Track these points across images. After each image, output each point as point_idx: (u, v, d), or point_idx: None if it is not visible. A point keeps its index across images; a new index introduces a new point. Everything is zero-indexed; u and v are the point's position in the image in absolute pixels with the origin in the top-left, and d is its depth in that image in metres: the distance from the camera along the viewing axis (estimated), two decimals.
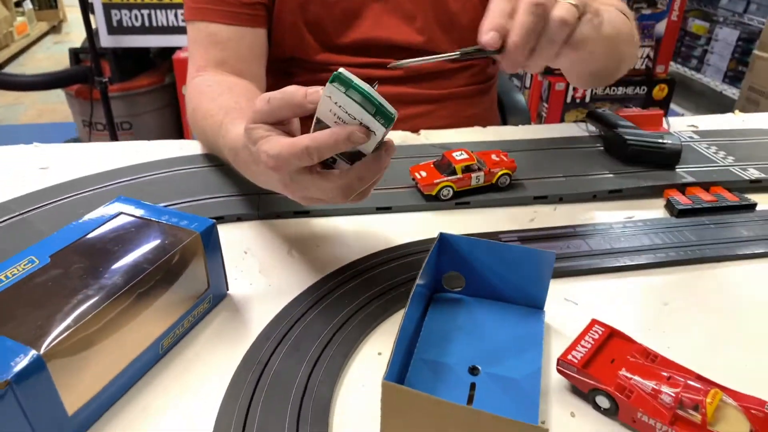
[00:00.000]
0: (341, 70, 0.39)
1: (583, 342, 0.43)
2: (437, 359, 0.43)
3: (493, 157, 0.67)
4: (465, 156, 0.65)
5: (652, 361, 0.42)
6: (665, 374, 0.40)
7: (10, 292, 0.39)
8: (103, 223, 0.46)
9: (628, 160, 0.73)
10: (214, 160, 0.71)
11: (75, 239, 0.44)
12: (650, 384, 0.39)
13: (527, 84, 2.33)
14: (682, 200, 0.65)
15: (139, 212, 0.48)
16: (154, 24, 2.04)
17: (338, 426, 0.39)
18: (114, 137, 2.11)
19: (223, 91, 0.69)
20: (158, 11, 2.01)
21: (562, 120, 2.26)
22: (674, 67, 3.22)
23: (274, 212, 0.62)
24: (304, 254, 0.56)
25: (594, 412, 0.41)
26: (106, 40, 2.04)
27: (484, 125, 0.87)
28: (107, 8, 1.99)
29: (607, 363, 0.42)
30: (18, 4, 4.15)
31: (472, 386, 0.41)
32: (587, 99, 2.23)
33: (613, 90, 2.22)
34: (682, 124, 0.87)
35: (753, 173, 0.70)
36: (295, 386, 0.41)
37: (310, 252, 0.57)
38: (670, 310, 0.51)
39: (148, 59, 2.31)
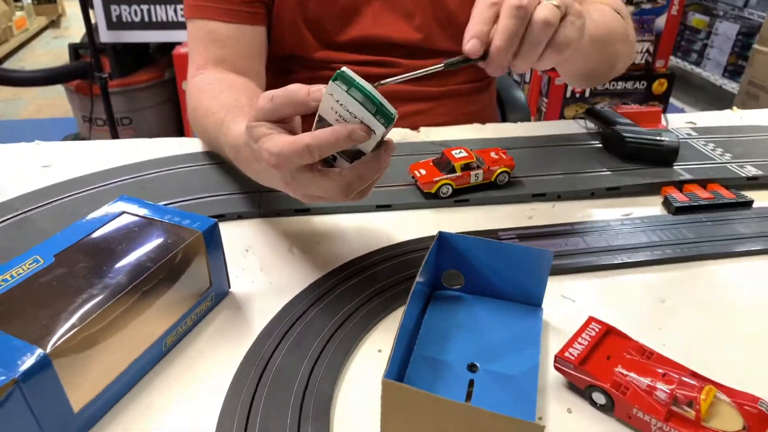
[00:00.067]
0: (344, 68, 0.40)
1: (579, 339, 0.44)
2: (436, 356, 0.44)
3: (492, 155, 0.68)
4: (464, 154, 0.65)
5: (647, 358, 0.43)
6: (660, 371, 0.40)
7: (15, 292, 0.39)
8: (107, 223, 0.47)
9: (626, 157, 0.73)
10: (215, 157, 0.72)
11: (79, 239, 0.45)
12: (646, 381, 0.40)
13: (527, 79, 2.33)
14: (679, 197, 0.65)
15: (142, 211, 0.48)
16: (154, 19, 2.03)
17: (339, 422, 0.40)
18: (114, 133, 2.11)
19: (223, 88, 0.70)
20: (158, 6, 2.01)
21: (561, 114, 2.26)
22: (674, 61, 3.22)
23: (275, 210, 0.63)
24: (305, 252, 0.57)
25: (590, 408, 0.41)
26: (105, 36, 2.04)
27: (483, 122, 0.88)
28: (106, 3, 1.98)
29: (603, 360, 0.42)
30: None
31: (471, 383, 0.41)
32: (587, 94, 2.23)
33: (613, 85, 2.22)
34: (680, 121, 0.88)
35: (750, 170, 0.71)
36: (296, 382, 0.41)
37: (310, 250, 0.57)
38: (666, 307, 0.51)
39: (147, 54, 2.31)
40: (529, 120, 1.14)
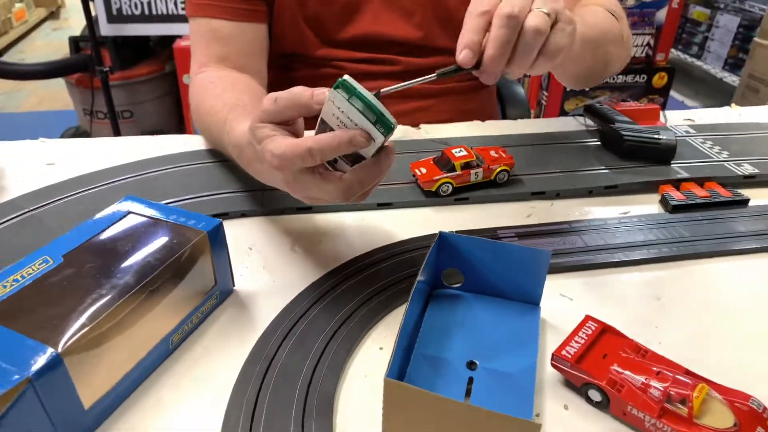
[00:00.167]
0: (346, 77, 0.40)
1: (576, 338, 0.45)
2: (436, 354, 0.45)
3: (492, 153, 0.68)
4: (464, 153, 0.66)
5: (642, 357, 0.44)
6: (655, 369, 0.41)
7: (26, 292, 0.40)
8: (113, 223, 0.48)
9: (624, 155, 0.74)
10: (217, 155, 0.73)
11: (86, 239, 0.46)
12: (640, 379, 0.41)
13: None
14: (676, 196, 0.66)
15: (148, 212, 0.49)
16: (154, 12, 2.03)
17: (342, 419, 0.41)
18: (115, 126, 2.11)
19: (226, 87, 0.71)
20: None
21: (561, 108, 2.27)
22: (674, 53, 3.21)
23: (277, 208, 0.63)
24: (307, 250, 0.58)
25: (586, 405, 0.43)
26: (105, 29, 2.04)
27: (483, 119, 0.89)
28: None
29: (599, 358, 0.43)
30: None
31: (470, 380, 0.43)
32: (587, 88, 2.23)
33: (613, 79, 2.22)
34: (678, 118, 0.88)
35: (747, 168, 0.72)
36: (300, 380, 0.43)
37: (312, 248, 0.58)
38: (662, 306, 0.52)
39: (148, 47, 2.31)
40: (529, 115, 1.14)
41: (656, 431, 0.39)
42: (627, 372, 0.42)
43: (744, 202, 0.66)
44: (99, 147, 0.77)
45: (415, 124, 0.84)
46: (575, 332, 0.45)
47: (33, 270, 0.42)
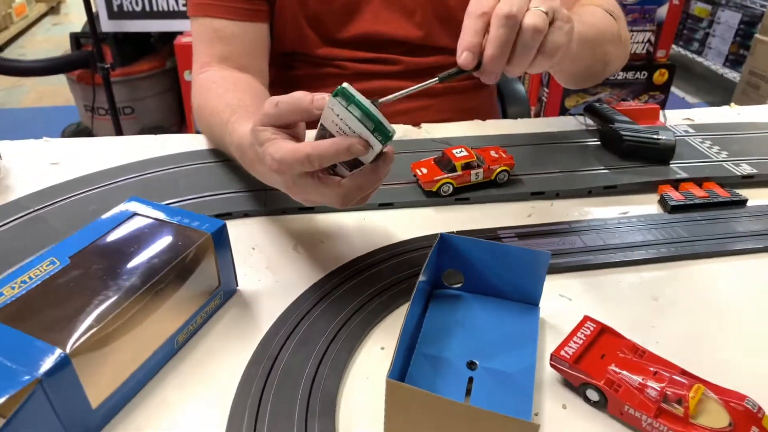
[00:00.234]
0: (345, 85, 0.41)
1: (575, 338, 0.45)
2: (437, 354, 0.45)
3: (492, 153, 0.69)
4: (465, 153, 0.67)
5: (640, 357, 0.44)
6: (652, 369, 0.42)
7: (34, 293, 0.41)
8: (119, 224, 0.48)
9: (623, 155, 0.75)
10: (220, 155, 0.73)
11: (92, 240, 0.46)
12: (637, 379, 0.42)
13: None
14: (675, 196, 0.67)
15: (153, 213, 0.50)
16: (155, 9, 2.03)
17: (344, 418, 0.42)
18: (116, 122, 2.12)
19: (228, 87, 0.71)
20: None
21: (562, 104, 2.27)
22: (675, 49, 3.21)
23: (279, 208, 0.64)
24: (310, 250, 0.59)
25: (584, 404, 0.43)
26: (106, 25, 2.04)
27: (483, 117, 0.89)
28: None
29: (597, 358, 0.44)
30: None
31: (470, 380, 0.43)
32: (586, 88, 2.23)
33: (614, 75, 2.22)
34: (678, 118, 0.89)
35: (745, 168, 0.72)
36: (303, 381, 0.43)
37: (315, 248, 0.59)
38: (659, 306, 0.53)
39: (149, 44, 2.31)
40: (529, 113, 1.15)
41: (653, 431, 0.40)
42: (624, 372, 0.42)
43: (742, 203, 0.67)
44: (102, 146, 0.78)
45: (416, 123, 0.85)
46: (574, 333, 0.46)
47: (40, 271, 0.43)
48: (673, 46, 3.06)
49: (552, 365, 0.45)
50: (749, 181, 0.71)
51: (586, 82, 0.80)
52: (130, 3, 2.01)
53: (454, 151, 0.67)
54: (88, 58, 2.09)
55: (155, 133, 0.81)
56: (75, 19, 4.17)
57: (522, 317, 0.50)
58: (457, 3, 0.84)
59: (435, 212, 0.66)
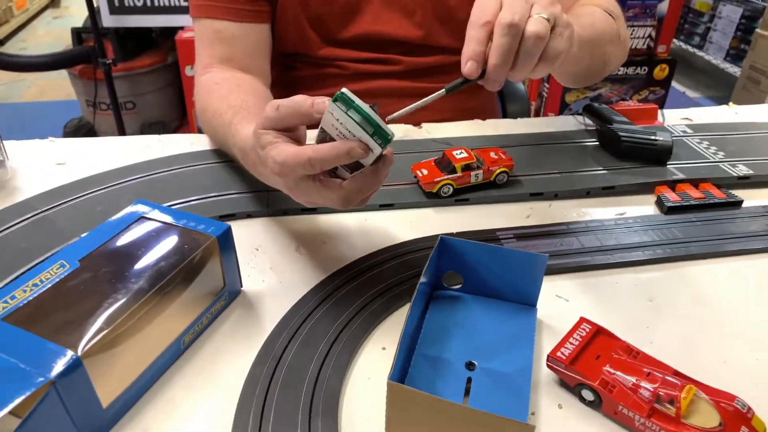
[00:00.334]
0: (344, 90, 0.42)
1: (571, 339, 0.47)
2: (437, 355, 0.47)
3: (492, 155, 0.70)
4: (465, 155, 0.68)
5: (634, 358, 0.46)
6: (645, 370, 0.43)
7: (45, 296, 0.42)
8: (126, 227, 0.49)
9: (621, 156, 0.75)
10: (223, 156, 0.74)
11: (101, 243, 0.48)
12: (631, 379, 0.43)
13: None
14: (671, 197, 0.68)
15: (160, 216, 0.51)
16: (157, 3, 2.04)
17: (346, 417, 0.43)
18: (118, 117, 2.12)
19: (231, 88, 0.72)
20: None
21: (563, 100, 2.28)
22: (676, 44, 3.21)
23: (282, 209, 0.65)
24: (312, 251, 0.60)
25: (580, 404, 0.45)
26: (108, 20, 2.05)
27: (484, 116, 0.90)
28: None
29: (592, 359, 0.45)
30: None
31: (469, 380, 0.45)
32: (585, 86, 2.24)
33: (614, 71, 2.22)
34: (676, 117, 0.90)
35: (741, 169, 0.73)
36: (306, 380, 0.45)
37: (317, 249, 0.60)
38: (654, 307, 0.54)
39: (150, 39, 2.31)
40: (529, 110, 1.16)
41: (646, 430, 0.41)
42: (618, 373, 0.43)
43: (737, 204, 0.68)
44: (107, 146, 0.79)
45: (417, 123, 0.86)
46: (570, 334, 0.47)
47: (51, 275, 0.44)
48: (674, 40, 3.05)
49: (548, 366, 0.46)
50: (745, 182, 0.72)
51: (585, 81, 0.81)
52: None
53: (454, 153, 0.68)
54: (90, 53, 2.10)
55: (157, 128, 0.82)
56: (75, 12, 4.17)
57: (520, 318, 0.51)
58: (458, 3, 0.85)
59: (435, 213, 0.67)
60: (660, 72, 2.26)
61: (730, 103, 0.95)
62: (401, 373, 0.44)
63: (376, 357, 0.48)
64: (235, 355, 0.48)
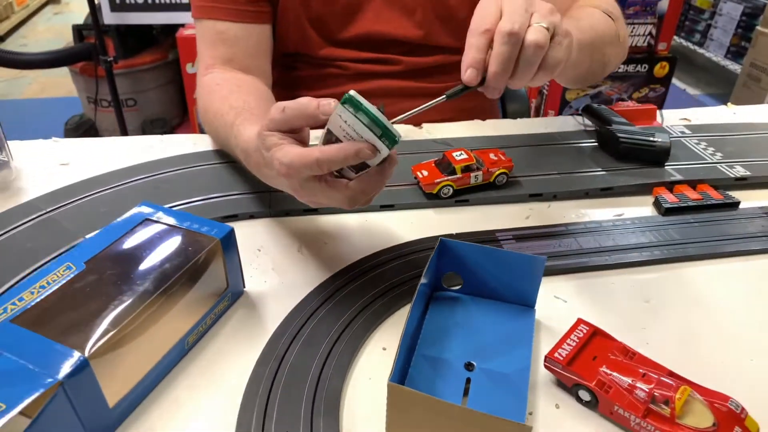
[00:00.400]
0: (352, 92, 0.43)
1: (568, 340, 0.47)
2: (436, 355, 0.48)
3: (492, 156, 0.71)
4: (465, 156, 0.69)
5: (630, 359, 0.46)
6: (641, 371, 0.44)
7: (52, 298, 0.43)
8: (131, 229, 0.50)
9: (620, 156, 0.76)
10: (226, 156, 0.75)
11: (106, 245, 0.48)
12: (627, 380, 0.44)
13: None
14: (669, 198, 0.68)
15: (164, 218, 0.52)
16: (157, 1, 2.04)
17: (348, 417, 0.44)
18: (119, 114, 2.13)
19: (232, 89, 0.73)
20: None
21: (563, 97, 2.28)
22: (677, 41, 3.21)
23: (284, 210, 0.66)
24: (314, 252, 0.61)
25: (576, 404, 0.45)
26: (109, 17, 2.05)
27: (483, 116, 0.91)
28: None
29: (589, 360, 0.46)
30: None
31: (468, 381, 0.45)
32: (586, 87, 2.24)
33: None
34: (675, 118, 0.90)
35: (739, 171, 0.74)
36: (308, 380, 0.45)
37: (318, 250, 0.61)
38: (651, 308, 0.55)
39: (151, 36, 2.32)
40: (529, 110, 1.16)
41: (641, 430, 0.42)
42: (615, 374, 0.44)
43: (735, 205, 0.69)
44: (110, 146, 0.79)
45: (417, 124, 0.86)
46: (567, 335, 0.48)
47: (57, 276, 0.45)
48: (675, 37, 3.05)
49: (546, 366, 0.47)
50: (742, 183, 0.73)
51: (585, 82, 0.81)
52: None
53: (454, 154, 0.69)
54: (91, 50, 2.10)
55: (157, 125, 0.83)
56: (76, 8, 4.17)
57: (518, 319, 0.52)
58: (458, 2, 0.85)
59: (435, 214, 0.68)
60: (660, 69, 2.26)
61: (729, 104, 0.96)
62: (401, 374, 0.44)
63: (376, 357, 0.49)
64: (238, 355, 0.49)
